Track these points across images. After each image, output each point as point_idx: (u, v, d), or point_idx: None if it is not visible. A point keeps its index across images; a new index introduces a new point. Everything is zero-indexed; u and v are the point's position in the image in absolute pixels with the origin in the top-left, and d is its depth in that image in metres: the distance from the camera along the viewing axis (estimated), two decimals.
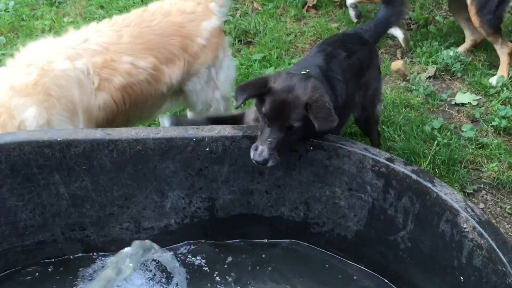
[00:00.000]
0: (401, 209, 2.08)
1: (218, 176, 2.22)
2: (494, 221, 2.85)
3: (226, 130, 2.16)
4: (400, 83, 3.91)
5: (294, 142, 2.11)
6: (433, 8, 4.91)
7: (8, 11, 4.87)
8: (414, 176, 2.01)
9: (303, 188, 2.25)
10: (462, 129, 3.44)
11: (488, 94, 3.73)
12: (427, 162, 3.08)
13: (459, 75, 3.94)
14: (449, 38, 4.34)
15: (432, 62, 4.07)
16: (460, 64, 3.97)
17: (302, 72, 2.15)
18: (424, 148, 3.19)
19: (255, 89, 2.07)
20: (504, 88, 3.73)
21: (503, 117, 3.42)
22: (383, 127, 3.41)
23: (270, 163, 1.99)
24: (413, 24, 4.70)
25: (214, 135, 2.13)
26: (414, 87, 3.80)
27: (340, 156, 2.14)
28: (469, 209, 1.87)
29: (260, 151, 1.98)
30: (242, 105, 2.10)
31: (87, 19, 4.72)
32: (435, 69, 3.97)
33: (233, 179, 2.24)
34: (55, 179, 2.08)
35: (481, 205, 2.95)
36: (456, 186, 2.97)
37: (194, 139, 2.12)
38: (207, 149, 2.14)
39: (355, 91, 2.59)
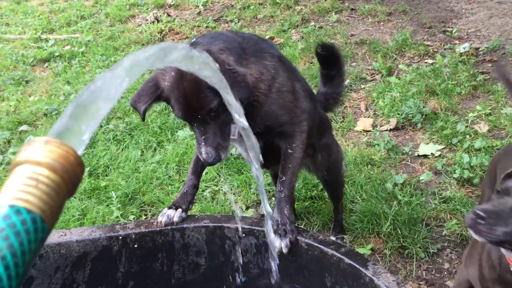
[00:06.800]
0: None
1: (152, 272, 2.14)
2: None
3: (153, 225, 2.09)
4: (362, 139, 3.86)
5: (228, 124, 1.84)
6: (396, 57, 4.90)
7: None
8: (347, 260, 1.92)
9: None
10: (420, 178, 3.37)
11: (450, 143, 3.65)
12: (388, 223, 2.99)
13: (419, 126, 3.88)
14: (412, 87, 4.29)
15: (394, 113, 4.02)
16: (421, 115, 3.91)
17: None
18: (385, 208, 3.09)
19: (148, 96, 1.80)
20: (467, 136, 3.66)
21: (464, 168, 3.32)
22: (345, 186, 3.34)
23: (223, 157, 1.79)
24: (376, 74, 4.68)
25: (141, 231, 2.07)
26: (376, 142, 3.74)
27: None
28: None
29: (205, 154, 1.77)
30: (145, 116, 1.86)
31: (53, 96, 4.75)
32: (396, 121, 3.91)
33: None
34: None
35: (446, 265, 2.82)
36: (419, 247, 2.87)
37: (120, 237, 2.05)
38: (136, 245, 2.07)
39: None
